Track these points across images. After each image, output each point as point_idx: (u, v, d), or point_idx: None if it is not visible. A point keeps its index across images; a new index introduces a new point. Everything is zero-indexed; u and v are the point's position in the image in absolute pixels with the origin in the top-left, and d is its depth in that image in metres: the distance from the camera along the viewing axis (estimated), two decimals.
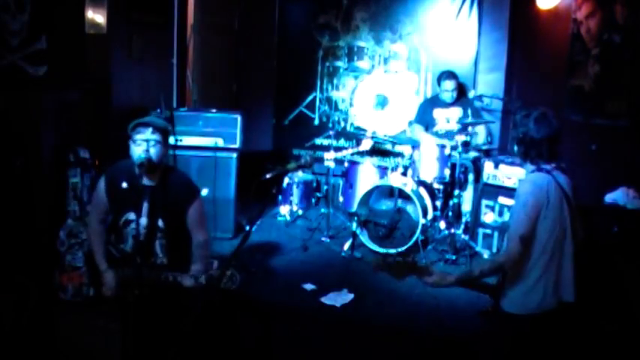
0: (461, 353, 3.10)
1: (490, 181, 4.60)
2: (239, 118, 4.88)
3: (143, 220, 2.76)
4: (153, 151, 2.71)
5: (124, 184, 2.80)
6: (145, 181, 2.76)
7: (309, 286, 3.99)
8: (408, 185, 4.66)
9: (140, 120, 2.75)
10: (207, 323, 3.03)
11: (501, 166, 4.54)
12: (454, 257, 4.50)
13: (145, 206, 2.76)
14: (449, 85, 5.19)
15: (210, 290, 2.61)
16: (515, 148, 2.50)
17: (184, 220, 2.85)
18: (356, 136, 5.85)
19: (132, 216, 2.78)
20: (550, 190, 2.35)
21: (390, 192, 4.80)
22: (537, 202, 2.33)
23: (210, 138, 4.85)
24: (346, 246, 4.68)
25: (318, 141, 6.29)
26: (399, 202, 4.73)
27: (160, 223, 2.79)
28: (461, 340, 3.15)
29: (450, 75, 5.23)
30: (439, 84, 5.30)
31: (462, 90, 5.40)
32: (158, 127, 2.76)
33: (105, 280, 2.78)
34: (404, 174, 4.93)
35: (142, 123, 2.74)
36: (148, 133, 2.71)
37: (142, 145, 2.69)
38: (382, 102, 6.06)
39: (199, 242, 2.90)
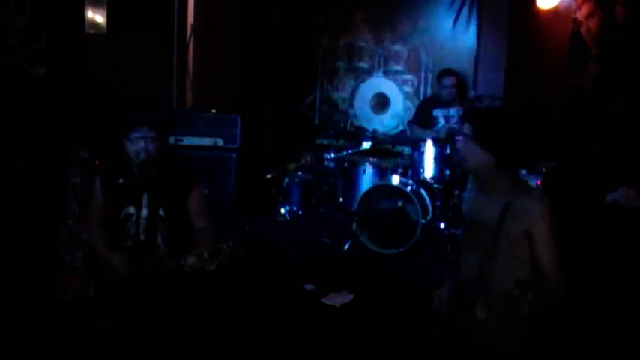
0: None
1: None
2: (239, 118, 4.88)
3: (144, 212, 2.76)
4: (151, 149, 2.71)
5: (121, 180, 2.80)
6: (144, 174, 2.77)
7: (309, 286, 3.98)
8: (408, 185, 4.66)
9: (136, 118, 2.74)
10: (207, 322, 3.03)
11: None
12: (454, 257, 4.49)
13: (145, 198, 2.77)
14: (449, 81, 5.21)
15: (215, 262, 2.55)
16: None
17: (186, 209, 2.84)
18: (356, 136, 5.85)
19: (132, 210, 2.77)
20: None
21: (390, 192, 4.81)
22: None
23: (210, 138, 4.85)
24: (346, 246, 4.68)
25: (318, 141, 6.29)
26: (399, 202, 4.73)
27: (162, 212, 2.78)
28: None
29: (449, 72, 5.26)
30: (439, 81, 5.30)
31: (462, 89, 5.40)
32: (154, 124, 2.75)
33: (113, 262, 2.73)
34: (404, 174, 4.93)
35: (138, 121, 2.73)
36: (144, 131, 2.71)
37: (140, 143, 2.69)
38: (382, 102, 6.06)
39: (201, 229, 2.87)
